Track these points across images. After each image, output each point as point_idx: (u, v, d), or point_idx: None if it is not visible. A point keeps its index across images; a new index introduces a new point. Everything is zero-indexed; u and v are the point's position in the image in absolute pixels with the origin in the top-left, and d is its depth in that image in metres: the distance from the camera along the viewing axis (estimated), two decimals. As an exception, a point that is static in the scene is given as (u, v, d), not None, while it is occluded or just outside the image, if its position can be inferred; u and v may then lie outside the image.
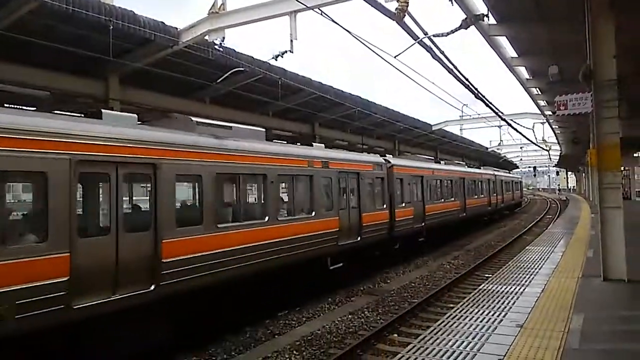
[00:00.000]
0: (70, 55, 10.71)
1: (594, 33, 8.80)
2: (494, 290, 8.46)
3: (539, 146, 40.82)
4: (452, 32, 9.87)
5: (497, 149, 45.50)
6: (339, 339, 9.30)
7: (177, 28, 11.41)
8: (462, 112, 30.26)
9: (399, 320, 10.32)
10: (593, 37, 8.81)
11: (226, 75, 13.50)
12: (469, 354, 5.35)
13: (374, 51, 10.69)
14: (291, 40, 10.13)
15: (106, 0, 10.99)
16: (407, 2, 8.90)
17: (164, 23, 11.15)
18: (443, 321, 6.66)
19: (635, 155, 32.10)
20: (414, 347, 5.63)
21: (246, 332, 9.77)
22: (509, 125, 27.56)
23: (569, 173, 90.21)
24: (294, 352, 8.61)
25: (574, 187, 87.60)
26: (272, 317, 10.71)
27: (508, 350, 5.39)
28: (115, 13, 10.08)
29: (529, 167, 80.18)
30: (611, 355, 5.21)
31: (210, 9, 10.83)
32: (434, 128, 29.99)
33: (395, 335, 9.58)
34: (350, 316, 10.78)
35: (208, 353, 8.70)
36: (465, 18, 9.85)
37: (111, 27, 9.78)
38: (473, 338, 5.86)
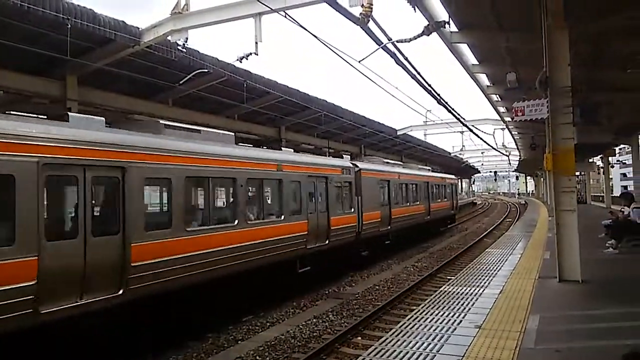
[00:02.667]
0: (26, 54, 10.33)
1: (550, 42, 9.12)
2: (454, 292, 8.61)
3: (499, 151, 42.04)
4: (415, 38, 10.04)
5: (460, 154, 46.55)
6: (302, 344, 9.26)
7: (138, 28, 11.15)
8: (426, 117, 30.88)
9: (362, 323, 10.38)
10: (549, 46, 9.12)
11: (189, 76, 13.30)
12: (428, 355, 5.42)
13: (339, 55, 10.77)
14: (256, 43, 10.06)
15: (65, -2, 10.71)
16: (371, 8, 8.99)
17: (124, 22, 10.89)
18: (404, 323, 6.74)
19: (590, 160, 33.38)
20: (375, 349, 5.66)
21: (208, 338, 9.61)
22: (471, 131, 28.27)
23: (528, 178, 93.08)
24: (257, 357, 8.53)
25: (532, 191, 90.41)
26: (235, 323, 10.59)
27: (466, 350, 5.50)
28: (74, 11, 9.78)
29: (490, 171, 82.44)
30: (565, 354, 5.37)
31: (173, 9, 10.64)
32: (398, 133, 30.41)
33: (359, 338, 9.62)
34: (314, 320, 10.76)
35: (169, 360, 8.52)
36: (428, 25, 10.03)
37: (69, 26, 9.48)
38: (433, 339, 5.95)
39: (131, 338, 8.08)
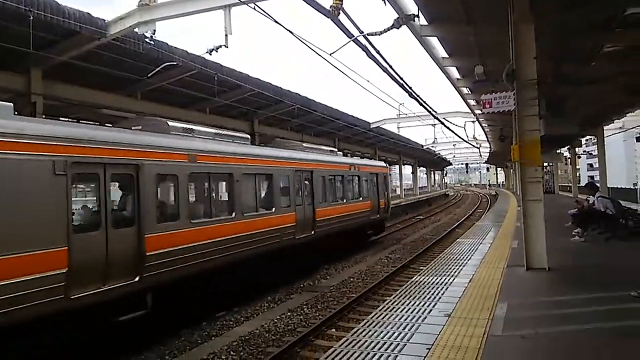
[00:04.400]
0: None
1: (516, 36, 9.29)
2: (425, 282, 8.75)
3: (470, 143, 42.75)
4: (385, 31, 10.07)
5: (432, 146, 47.14)
6: (277, 337, 9.29)
7: (104, 20, 10.89)
8: (399, 110, 31.11)
9: (337, 315, 10.46)
10: (515, 39, 9.29)
11: (158, 69, 13.06)
12: (399, 344, 5.50)
13: (311, 48, 10.75)
14: (226, 35, 9.95)
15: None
16: (342, 0, 8.99)
17: (90, 14, 10.60)
18: (376, 314, 6.81)
19: (558, 151, 34.24)
20: (346, 340, 5.71)
21: (181, 334, 9.53)
22: (442, 123, 28.61)
23: (499, 169, 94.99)
24: (231, 352, 8.52)
25: (503, 182, 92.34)
26: (208, 319, 10.52)
27: (436, 339, 5.60)
28: (36, 3, 9.47)
29: (462, 163, 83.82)
30: (531, 340, 5.52)
31: (141, 1, 10.43)
32: (372, 126, 30.58)
33: (334, 330, 9.70)
34: (289, 314, 10.80)
35: (141, 358, 8.42)
36: (398, 18, 10.08)
37: (31, 18, 9.18)
38: (404, 329, 6.03)
39: (101, 337, 7.97)
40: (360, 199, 19.66)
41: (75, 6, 10.43)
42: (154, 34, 10.97)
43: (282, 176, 13.89)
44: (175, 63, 13.11)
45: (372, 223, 21.06)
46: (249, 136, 12.75)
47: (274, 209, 13.01)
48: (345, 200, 18.05)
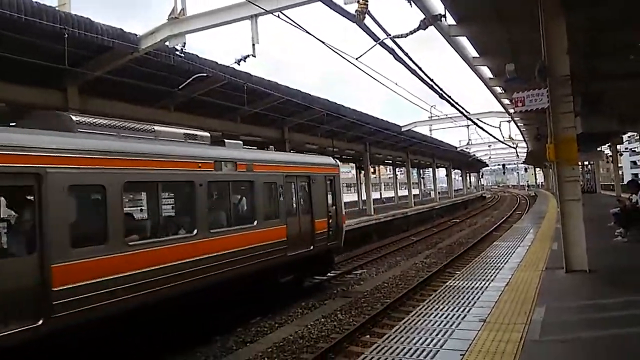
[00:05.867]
0: (25, 65, 10.40)
1: (547, 31, 9.04)
2: (460, 287, 8.56)
3: (506, 144, 41.76)
4: (412, 32, 9.96)
5: (467, 148, 46.28)
6: (311, 344, 9.29)
7: (136, 35, 11.21)
8: (431, 113, 30.71)
9: (371, 321, 10.37)
10: (546, 34, 9.04)
11: (189, 81, 13.32)
12: (432, 350, 5.39)
13: (337, 53, 10.76)
14: (253, 44, 10.06)
15: (62, 8, 10.78)
16: (367, 4, 8.96)
17: (122, 30, 10.94)
18: (409, 319, 6.71)
19: (599, 149, 33.02)
20: (378, 346, 5.64)
21: (216, 341, 9.64)
22: (475, 124, 28.07)
23: (537, 169, 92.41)
24: (266, 358, 8.56)
25: (542, 182, 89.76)
26: (243, 325, 10.61)
27: (470, 344, 5.45)
28: (71, 21, 9.84)
29: (498, 164, 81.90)
30: (570, 344, 5.32)
31: (170, 15, 10.68)
32: (403, 129, 30.28)
33: (368, 336, 9.63)
34: (323, 320, 10.78)
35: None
36: (424, 19, 9.95)
37: (66, 36, 9.53)
38: (437, 334, 5.91)
39: (134, 345, 8.09)
40: (259, 221, 11.16)
41: (109, 22, 10.78)
42: (184, 46, 11.23)
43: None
44: (205, 74, 13.35)
45: (301, 260, 12.65)
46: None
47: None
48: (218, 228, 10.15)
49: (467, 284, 8.73)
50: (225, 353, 9.07)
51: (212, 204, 10.36)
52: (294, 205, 12.90)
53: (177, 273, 8.49)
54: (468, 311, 6.90)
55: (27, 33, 9.71)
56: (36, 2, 9.10)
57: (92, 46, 10.90)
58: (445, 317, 6.63)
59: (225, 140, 11.12)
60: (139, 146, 8.44)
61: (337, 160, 15.66)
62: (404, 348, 5.49)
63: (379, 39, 10.08)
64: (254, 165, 11.14)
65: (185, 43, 11.08)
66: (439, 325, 6.27)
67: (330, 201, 14.31)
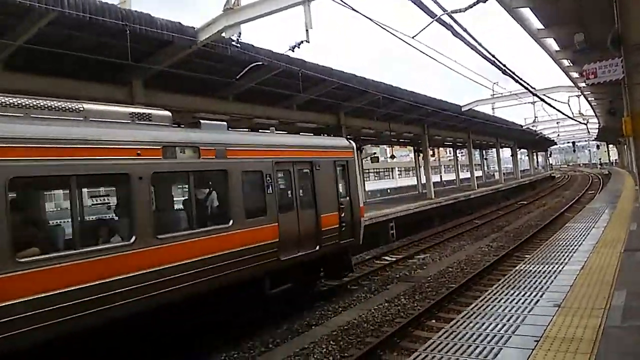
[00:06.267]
0: (92, 62, 10.94)
1: (622, -6, 8.35)
2: (531, 271, 8.16)
3: (576, 120, 39.39)
4: (470, 6, 9.54)
5: (533, 126, 44.13)
6: (375, 328, 9.29)
7: (194, 27, 11.45)
8: (493, 90, 29.47)
9: (435, 306, 10.20)
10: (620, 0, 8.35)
11: (245, 70, 13.49)
12: (503, 336, 5.16)
13: (391, 33, 10.50)
14: (307, 30, 9.99)
15: (123, 5, 11.18)
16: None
17: (180, 23, 11.20)
18: (477, 304, 6.48)
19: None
20: (445, 331, 5.48)
21: (283, 324, 9.82)
22: (542, 100, 26.66)
23: (610, 146, 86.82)
24: (331, 342, 8.64)
25: (616, 160, 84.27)
26: (308, 309, 10.75)
27: (545, 330, 5.18)
28: (132, 17, 10.18)
29: (568, 142, 77.68)
30: (657, 331, 4.92)
31: (225, 5, 10.81)
32: (463, 109, 29.25)
33: (433, 321, 9.50)
34: (386, 304, 10.74)
35: (247, 346, 8.79)
36: (484, -9, 9.48)
37: (128, 32, 9.89)
38: (508, 320, 5.66)
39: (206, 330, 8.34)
40: (237, 221, 8.82)
41: (162, 15, 11.05)
42: (239, 36, 11.34)
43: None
44: (260, 63, 13.46)
45: (301, 264, 10.47)
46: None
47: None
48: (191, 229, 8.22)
49: (538, 268, 8.32)
50: (292, 336, 9.23)
51: (162, 202, 8.65)
52: (290, 197, 10.41)
53: (105, 295, 6.43)
54: (541, 296, 6.56)
55: (92, 31, 10.17)
56: (99, 1, 9.46)
57: (154, 41, 11.25)
58: (516, 302, 6.34)
59: (202, 121, 9.03)
60: (37, 130, 6.22)
61: (352, 142, 13.05)
62: (473, 334, 5.30)
63: (436, 15, 9.72)
64: (228, 150, 8.76)
65: (240, 33, 11.19)
66: (509, 311, 6.00)
67: (342, 190, 12.01)
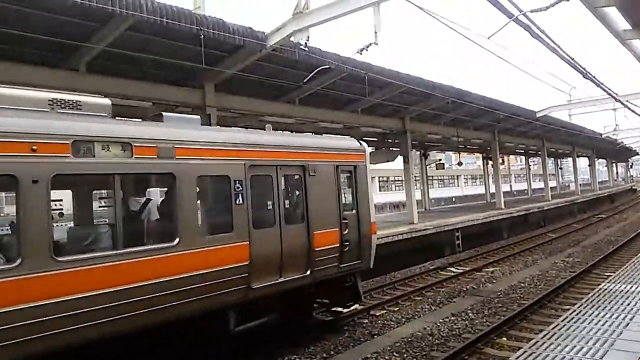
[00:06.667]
0: (168, 66, 11.33)
1: None
2: (616, 290, 7.51)
3: (663, 128, 36.43)
4: (552, 5, 8.92)
5: (613, 134, 41.26)
6: (441, 342, 8.90)
7: (264, 32, 11.59)
8: (570, 95, 27.80)
9: (507, 322, 9.63)
10: None
11: (312, 74, 13.48)
12: (590, 362, 4.72)
13: (463, 35, 10.07)
14: (375, 32, 9.82)
15: (197, 11, 11.53)
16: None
17: (251, 28, 11.37)
18: (558, 324, 6.00)
19: None
20: (524, 352, 5.08)
21: (345, 331, 9.64)
22: (625, 106, 24.79)
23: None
24: (394, 353, 8.38)
25: None
26: (369, 317, 10.51)
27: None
28: (205, 23, 10.45)
29: (653, 152, 72.08)
30: None
31: (295, 10, 10.85)
32: (537, 115, 27.79)
33: (504, 339, 8.97)
34: (452, 318, 10.31)
35: (308, 352, 8.70)
36: (568, -12, 8.86)
37: (202, 37, 10.14)
38: (594, 344, 5.18)
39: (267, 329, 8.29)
40: (187, 239, 6.76)
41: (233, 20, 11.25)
42: (307, 40, 11.33)
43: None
44: (327, 67, 13.41)
45: (282, 294, 8.31)
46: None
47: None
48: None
49: (625, 287, 7.64)
50: (354, 344, 9.03)
51: (69, 214, 7.31)
52: (270, 210, 8.26)
53: None
54: (631, 319, 5.99)
55: (168, 36, 10.53)
56: (175, 7, 9.78)
57: (226, 46, 11.49)
58: (603, 325, 5.81)
59: (164, 114, 7.57)
60: None
61: (364, 144, 10.34)
62: (556, 356, 4.88)
63: (513, 15, 9.21)
64: (178, 149, 6.79)
65: (309, 37, 11.17)
66: (595, 333, 5.50)
67: (347, 202, 9.73)
